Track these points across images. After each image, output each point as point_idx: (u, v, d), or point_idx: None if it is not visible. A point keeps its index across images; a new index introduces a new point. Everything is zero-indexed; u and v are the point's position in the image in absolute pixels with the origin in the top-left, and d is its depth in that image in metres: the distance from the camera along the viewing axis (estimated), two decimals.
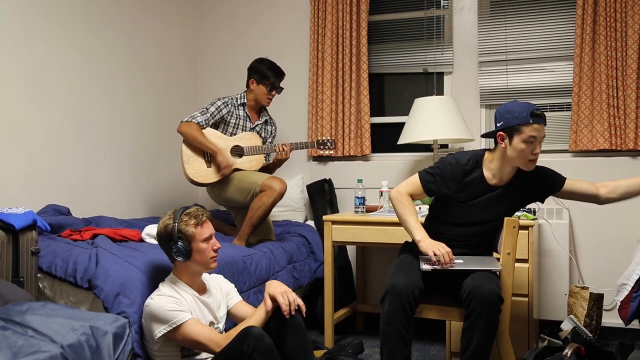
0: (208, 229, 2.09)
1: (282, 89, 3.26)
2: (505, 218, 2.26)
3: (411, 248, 2.40)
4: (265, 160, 3.30)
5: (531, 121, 2.17)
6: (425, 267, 2.20)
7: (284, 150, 3.10)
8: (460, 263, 2.22)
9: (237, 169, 3.08)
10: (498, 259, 2.30)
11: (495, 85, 3.53)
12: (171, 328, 1.95)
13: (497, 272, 2.24)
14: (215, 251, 2.10)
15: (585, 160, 3.31)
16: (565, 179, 2.36)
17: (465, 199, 2.30)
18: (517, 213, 2.92)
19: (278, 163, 3.21)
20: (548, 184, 2.35)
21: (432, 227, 2.41)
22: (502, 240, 2.26)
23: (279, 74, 3.21)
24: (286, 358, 2.02)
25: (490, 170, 2.29)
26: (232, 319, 2.24)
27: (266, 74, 3.17)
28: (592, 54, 3.24)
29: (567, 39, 3.38)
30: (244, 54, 3.30)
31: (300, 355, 2.02)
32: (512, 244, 2.24)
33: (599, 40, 3.22)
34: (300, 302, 2.06)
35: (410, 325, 2.15)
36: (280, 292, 2.03)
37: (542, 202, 2.44)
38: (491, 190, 2.29)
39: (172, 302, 1.98)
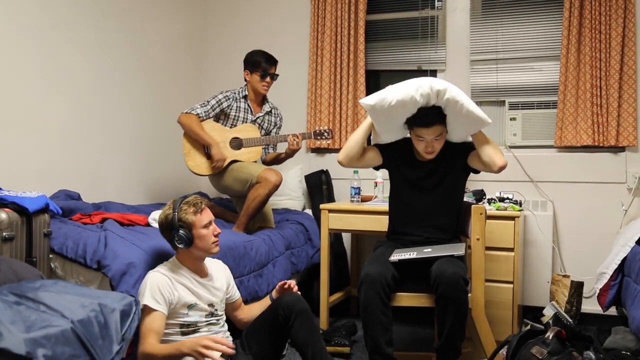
0: (207, 215, 2.10)
1: (277, 75, 3.28)
2: (473, 206, 2.38)
3: (383, 244, 2.54)
4: (268, 150, 3.36)
5: (417, 125, 2.36)
6: (392, 258, 2.31)
7: (295, 141, 3.15)
8: (427, 252, 2.32)
9: (235, 160, 3.14)
10: (469, 246, 2.40)
11: (486, 83, 3.62)
12: (141, 307, 1.94)
13: (461, 256, 2.31)
14: (216, 236, 2.11)
15: (570, 155, 3.39)
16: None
17: (403, 170, 2.52)
18: (488, 206, 3.02)
19: (290, 153, 3.24)
20: (463, 148, 2.49)
21: (396, 225, 2.57)
22: (471, 227, 2.36)
23: (270, 59, 3.24)
24: (297, 343, 2.09)
25: (415, 150, 2.51)
26: (227, 312, 2.28)
27: (257, 60, 3.21)
28: (578, 54, 3.32)
29: (554, 40, 3.46)
30: (246, 49, 3.36)
31: (310, 341, 2.06)
32: (480, 229, 2.35)
33: (584, 41, 3.31)
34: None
35: (388, 310, 2.23)
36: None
37: (467, 171, 2.53)
38: (421, 164, 2.51)
39: (162, 285, 2.00)
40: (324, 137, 3.26)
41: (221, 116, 3.24)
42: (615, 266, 2.63)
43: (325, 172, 3.78)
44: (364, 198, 3.28)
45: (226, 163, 3.14)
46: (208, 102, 3.18)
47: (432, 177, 2.50)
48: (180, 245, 2.06)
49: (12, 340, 1.38)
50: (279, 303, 2.13)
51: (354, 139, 2.52)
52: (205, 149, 3.15)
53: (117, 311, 1.73)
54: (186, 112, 3.14)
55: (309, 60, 3.89)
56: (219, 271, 2.26)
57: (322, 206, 3.06)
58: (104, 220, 2.55)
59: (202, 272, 2.16)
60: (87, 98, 3.16)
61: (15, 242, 2.02)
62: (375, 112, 2.40)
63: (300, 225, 3.37)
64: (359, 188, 3.24)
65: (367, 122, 2.53)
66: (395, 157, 2.56)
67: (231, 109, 3.23)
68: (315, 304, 3.07)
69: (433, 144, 2.39)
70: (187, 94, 4.01)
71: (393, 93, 2.33)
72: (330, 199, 3.73)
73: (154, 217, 2.67)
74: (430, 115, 2.33)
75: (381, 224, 2.83)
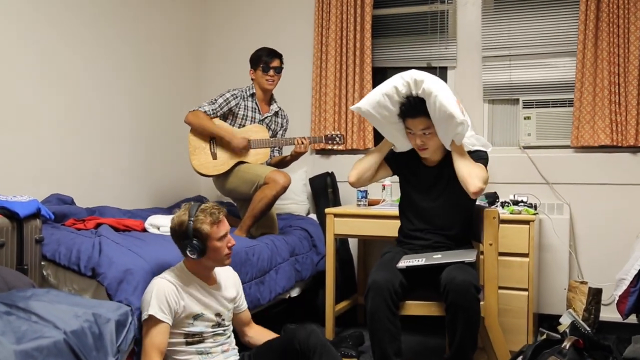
0: (224, 227, 2.06)
1: (281, 68, 3.24)
2: (485, 210, 2.32)
3: (391, 250, 2.50)
4: (274, 154, 3.32)
5: (405, 115, 2.34)
6: (400, 264, 2.26)
7: (303, 143, 3.11)
8: (437, 258, 2.27)
9: (242, 162, 3.10)
10: (482, 251, 2.34)
11: (499, 80, 3.56)
12: (146, 317, 1.93)
13: (473, 263, 2.27)
14: (229, 248, 2.08)
15: (587, 155, 3.35)
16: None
17: (410, 175, 2.51)
18: (502, 209, 2.97)
19: (296, 156, 3.22)
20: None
21: (406, 230, 2.52)
22: (484, 232, 2.31)
23: (271, 53, 3.21)
24: None
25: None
26: (235, 324, 2.23)
27: (258, 55, 3.20)
28: (595, 50, 3.27)
29: (570, 35, 3.40)
30: (247, 48, 3.35)
31: None
32: (493, 234, 2.31)
33: (601, 36, 3.25)
34: None
35: (396, 319, 2.20)
36: None
37: None
38: (427, 169, 2.48)
39: (169, 293, 1.97)
40: (335, 141, 3.23)
41: (229, 116, 3.21)
42: (635, 272, 2.56)
43: (330, 175, 3.72)
44: (371, 202, 3.25)
45: (233, 164, 3.10)
46: (215, 100, 3.15)
47: (439, 181, 2.46)
48: (192, 256, 2.02)
49: (1, 352, 1.37)
50: (295, 336, 2.05)
51: (367, 163, 2.51)
52: (211, 148, 3.10)
53: (112, 321, 1.73)
54: (193, 110, 3.11)
55: (313, 58, 3.86)
56: (228, 279, 2.22)
57: (327, 210, 3.02)
58: (98, 225, 2.53)
59: (210, 280, 2.13)
60: (83, 99, 3.13)
61: (5, 249, 1.98)
62: (368, 114, 2.40)
63: (304, 231, 3.32)
64: (366, 191, 3.20)
65: (380, 146, 2.53)
66: (402, 162, 2.54)
67: (239, 108, 3.19)
68: (321, 312, 3.03)
69: (422, 138, 2.35)
70: (186, 94, 3.99)
71: (377, 89, 2.37)
72: (336, 202, 3.67)
73: (152, 222, 2.68)
74: (414, 105, 2.30)
75: (389, 228, 2.80)
